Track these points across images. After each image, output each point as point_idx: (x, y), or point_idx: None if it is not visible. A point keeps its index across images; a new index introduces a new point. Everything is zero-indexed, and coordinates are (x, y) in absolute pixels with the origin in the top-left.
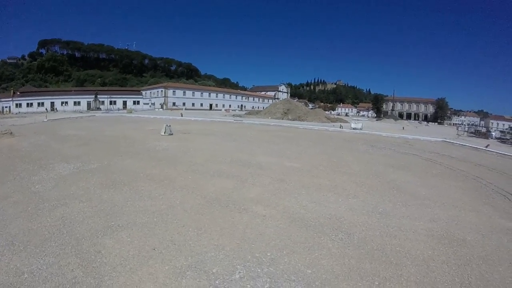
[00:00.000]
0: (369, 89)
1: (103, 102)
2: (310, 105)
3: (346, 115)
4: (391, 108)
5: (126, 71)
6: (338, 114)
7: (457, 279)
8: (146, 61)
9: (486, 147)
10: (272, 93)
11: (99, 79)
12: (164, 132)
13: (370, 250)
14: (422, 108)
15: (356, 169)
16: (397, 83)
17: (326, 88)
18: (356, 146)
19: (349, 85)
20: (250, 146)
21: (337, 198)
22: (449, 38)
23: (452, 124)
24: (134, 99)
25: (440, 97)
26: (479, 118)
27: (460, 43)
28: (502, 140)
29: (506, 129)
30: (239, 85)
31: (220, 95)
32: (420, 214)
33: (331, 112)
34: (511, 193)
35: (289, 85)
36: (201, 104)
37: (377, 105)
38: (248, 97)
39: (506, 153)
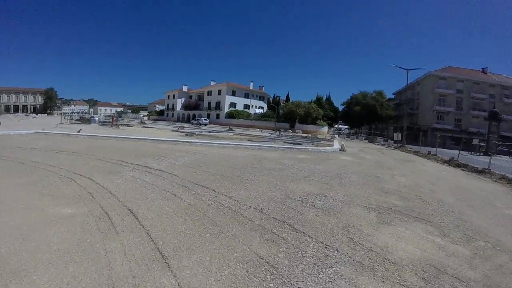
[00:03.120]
0: None
1: None
2: None
3: None
4: None
5: None
6: None
7: None
8: None
9: (79, 131)
10: None
11: None
12: None
13: None
14: (31, 99)
15: None
16: None
17: None
18: None
19: None
20: None
21: None
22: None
23: (61, 114)
24: None
25: (49, 87)
26: (88, 106)
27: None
28: (103, 123)
29: (113, 113)
30: None
31: None
32: None
33: None
34: (80, 173)
35: None
36: None
37: None
38: None
39: (90, 134)
